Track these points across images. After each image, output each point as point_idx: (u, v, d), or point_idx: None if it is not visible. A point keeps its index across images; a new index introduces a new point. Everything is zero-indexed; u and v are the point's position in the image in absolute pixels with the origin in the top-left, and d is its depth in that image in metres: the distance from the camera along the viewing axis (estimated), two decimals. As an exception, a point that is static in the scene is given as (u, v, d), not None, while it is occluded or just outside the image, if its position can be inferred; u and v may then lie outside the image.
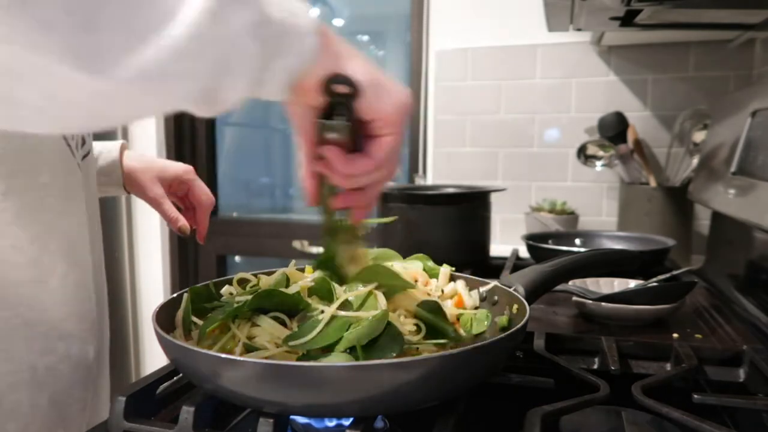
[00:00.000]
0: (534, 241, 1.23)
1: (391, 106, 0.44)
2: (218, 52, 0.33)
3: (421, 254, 0.73)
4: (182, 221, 0.83)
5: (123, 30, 0.29)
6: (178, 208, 0.86)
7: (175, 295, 0.63)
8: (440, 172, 1.79)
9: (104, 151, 0.82)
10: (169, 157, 1.84)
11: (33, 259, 0.57)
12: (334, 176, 0.47)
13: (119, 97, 0.31)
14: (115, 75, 0.29)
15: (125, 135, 1.97)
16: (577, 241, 1.35)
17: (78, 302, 0.62)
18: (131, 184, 0.83)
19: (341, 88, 0.43)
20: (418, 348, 0.54)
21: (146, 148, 2.00)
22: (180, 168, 0.85)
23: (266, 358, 0.50)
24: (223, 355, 0.47)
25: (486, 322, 0.63)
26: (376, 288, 0.55)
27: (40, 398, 0.59)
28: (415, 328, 0.56)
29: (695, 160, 1.40)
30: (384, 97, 0.44)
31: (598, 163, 1.54)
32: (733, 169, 1.03)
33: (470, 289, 0.69)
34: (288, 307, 0.55)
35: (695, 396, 0.59)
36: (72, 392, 0.63)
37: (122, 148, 0.84)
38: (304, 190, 0.50)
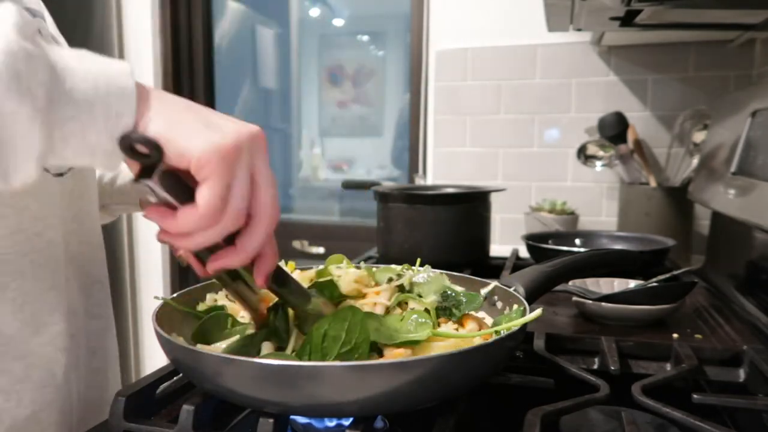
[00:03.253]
0: (534, 241, 1.23)
1: (198, 148, 0.40)
2: None
3: (339, 255, 0.69)
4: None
5: None
6: None
7: (175, 294, 0.63)
8: (440, 172, 1.79)
9: (122, 170, 0.79)
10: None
11: None
12: (172, 239, 0.43)
13: None
14: None
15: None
16: (577, 241, 1.35)
17: (31, 314, 0.56)
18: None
19: (141, 148, 0.40)
20: None
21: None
22: None
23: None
24: (223, 355, 0.47)
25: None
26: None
27: None
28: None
29: (695, 160, 1.40)
30: (194, 140, 0.40)
31: (598, 163, 1.54)
32: (733, 169, 1.03)
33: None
34: None
35: (695, 396, 0.59)
36: (40, 417, 0.57)
37: None
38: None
